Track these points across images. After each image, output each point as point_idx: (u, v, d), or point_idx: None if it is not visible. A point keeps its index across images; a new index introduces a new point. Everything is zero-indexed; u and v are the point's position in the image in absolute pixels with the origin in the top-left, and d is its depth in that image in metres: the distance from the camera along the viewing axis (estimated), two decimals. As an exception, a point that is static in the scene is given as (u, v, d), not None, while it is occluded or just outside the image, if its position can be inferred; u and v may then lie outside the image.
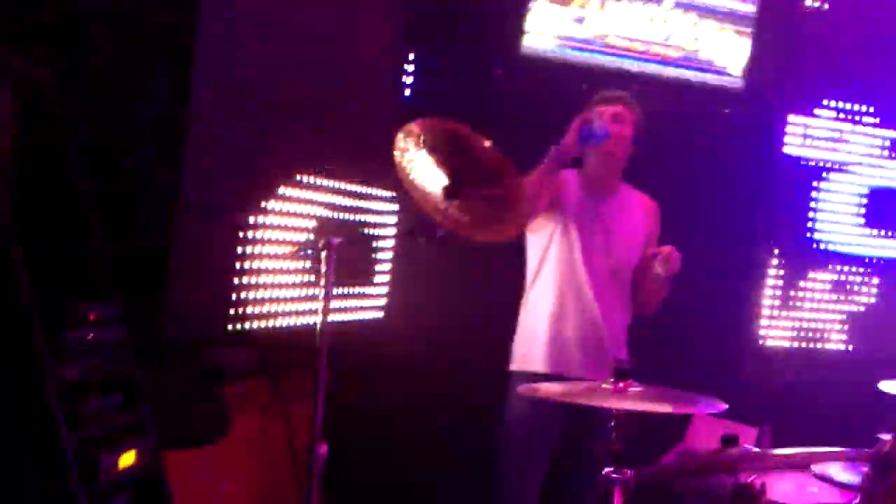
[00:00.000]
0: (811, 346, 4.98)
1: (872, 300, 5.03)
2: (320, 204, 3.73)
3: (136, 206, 2.87)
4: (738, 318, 4.90)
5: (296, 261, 3.50)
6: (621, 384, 2.88)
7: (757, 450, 2.91)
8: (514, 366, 3.85)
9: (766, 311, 4.92)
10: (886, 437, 2.93)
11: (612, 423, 2.87)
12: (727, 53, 4.70)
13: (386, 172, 3.80)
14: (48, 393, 2.21)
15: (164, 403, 2.87)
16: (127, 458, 2.48)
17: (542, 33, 4.52)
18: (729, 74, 4.73)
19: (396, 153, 3.20)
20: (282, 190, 3.48)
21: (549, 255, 3.82)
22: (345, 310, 4.01)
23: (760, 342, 4.88)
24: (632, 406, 2.83)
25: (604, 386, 2.94)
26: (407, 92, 4.37)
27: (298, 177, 3.58)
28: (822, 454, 3.06)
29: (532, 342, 3.82)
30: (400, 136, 3.14)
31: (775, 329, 4.95)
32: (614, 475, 2.77)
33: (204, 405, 3.27)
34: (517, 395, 3.74)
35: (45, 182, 2.51)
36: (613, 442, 2.84)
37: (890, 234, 5.05)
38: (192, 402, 3.21)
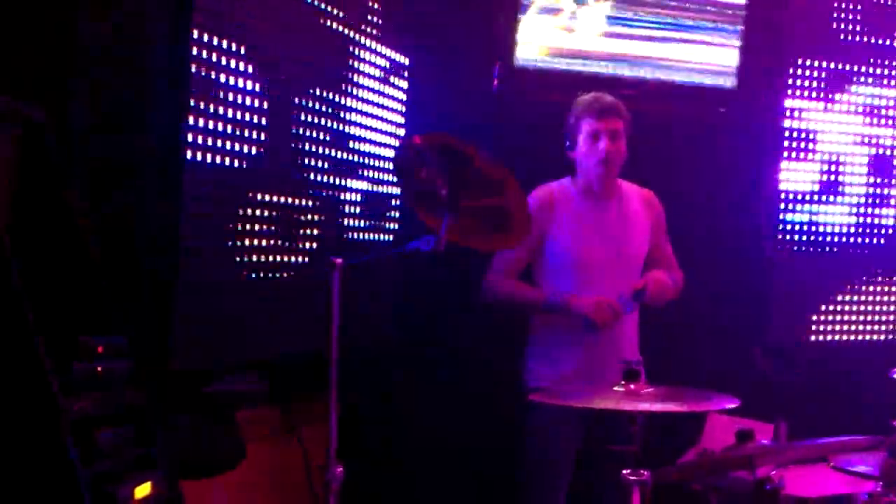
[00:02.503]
0: (822, 337, 4.95)
1: (877, 288, 5.01)
2: (324, 223, 3.74)
3: (138, 238, 2.88)
4: (747, 314, 4.88)
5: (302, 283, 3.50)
6: (633, 386, 2.89)
7: (773, 444, 2.90)
8: (528, 380, 3.85)
9: (774, 306, 4.89)
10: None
11: (627, 425, 2.88)
12: (719, 53, 4.71)
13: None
14: (60, 427, 2.22)
15: (177, 433, 2.88)
16: (143, 490, 2.48)
17: (533, 44, 4.54)
18: (722, 74, 4.73)
19: (396, 168, 3.21)
20: (285, 211, 3.49)
21: (552, 265, 3.82)
22: (356, 329, 4.01)
23: (772, 337, 4.86)
24: (645, 407, 2.83)
25: (616, 388, 2.95)
26: (403, 108, 4.37)
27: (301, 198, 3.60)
28: (839, 445, 3.06)
29: (543, 355, 3.82)
30: (400, 150, 3.16)
31: (786, 323, 4.93)
32: (632, 477, 2.77)
33: (218, 433, 3.27)
34: (532, 408, 3.73)
35: (45, 218, 2.53)
36: (629, 443, 2.84)
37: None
38: (206, 430, 3.21)
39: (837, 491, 3.07)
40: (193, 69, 2.97)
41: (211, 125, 3.06)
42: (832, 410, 4.31)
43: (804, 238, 4.89)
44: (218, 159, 3.11)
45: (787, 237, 4.86)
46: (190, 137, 2.97)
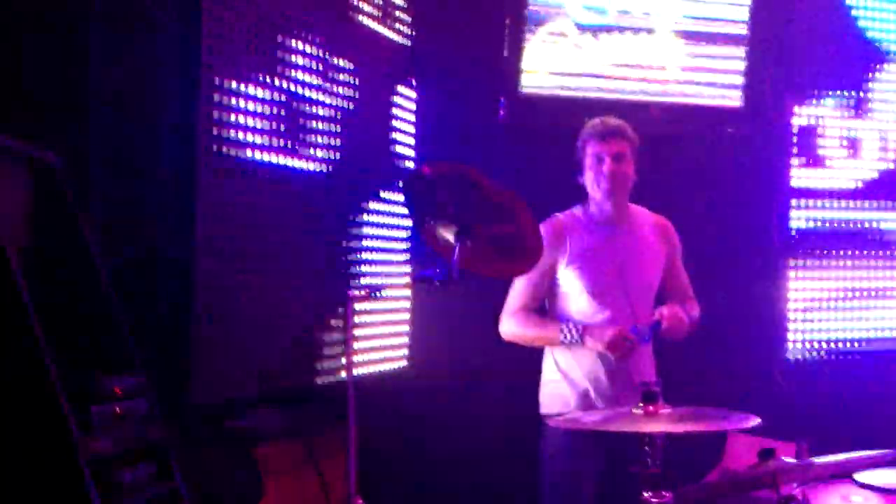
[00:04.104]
0: (839, 354, 4.93)
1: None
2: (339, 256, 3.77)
3: (153, 275, 2.90)
4: (763, 332, 4.87)
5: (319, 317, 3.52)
6: (651, 407, 2.87)
7: (796, 461, 2.88)
8: (544, 408, 3.84)
9: (790, 322, 4.87)
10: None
11: (647, 447, 2.86)
12: (723, 73, 4.73)
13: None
14: (79, 467, 2.22)
15: (197, 470, 2.88)
16: (164, 529, 2.49)
17: (539, 71, 4.57)
18: (727, 93, 4.75)
19: (405, 198, 3.23)
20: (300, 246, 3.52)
21: (564, 294, 3.81)
22: (370, 362, 4.02)
23: (788, 353, 4.84)
24: (664, 428, 2.82)
25: (634, 411, 2.94)
26: (412, 141, 4.40)
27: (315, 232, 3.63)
28: (863, 460, 3.03)
29: (558, 382, 3.81)
30: (408, 180, 3.18)
31: (802, 339, 4.91)
32: (654, 499, 2.75)
33: (237, 470, 3.27)
34: (550, 433, 3.72)
35: (61, 259, 2.55)
36: (650, 465, 2.83)
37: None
38: (224, 467, 3.21)
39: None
40: (204, 110, 3.01)
41: (224, 165, 3.10)
42: (854, 426, 4.27)
43: (818, 251, 4.87)
44: (232, 198, 3.14)
45: (801, 251, 4.84)
46: (203, 177, 3.00)
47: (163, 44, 2.99)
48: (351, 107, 3.87)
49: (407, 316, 4.36)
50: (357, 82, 3.91)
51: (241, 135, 3.19)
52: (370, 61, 4.01)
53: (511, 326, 3.82)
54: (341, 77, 3.80)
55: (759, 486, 2.94)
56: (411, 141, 4.38)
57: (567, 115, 4.46)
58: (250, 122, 3.25)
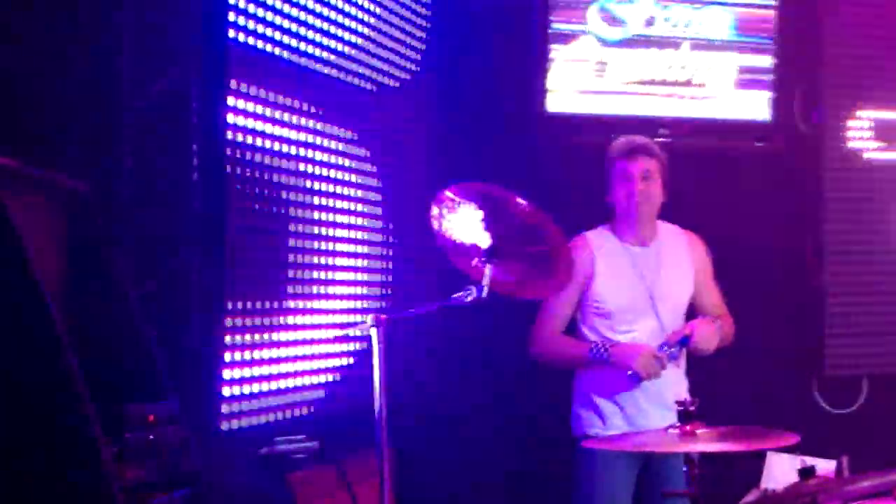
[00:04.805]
0: (880, 367, 4.84)
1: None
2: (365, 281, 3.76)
3: (184, 302, 2.91)
4: (801, 347, 4.81)
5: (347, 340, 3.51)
6: (688, 427, 2.84)
7: (837, 479, 2.83)
8: (577, 429, 3.81)
9: (828, 338, 4.79)
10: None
11: (685, 467, 2.83)
12: (751, 87, 4.70)
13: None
14: (114, 497, 2.22)
15: (231, 498, 2.87)
16: (199, 557, 2.48)
17: (564, 91, 4.56)
18: (755, 108, 4.72)
19: (434, 221, 3.22)
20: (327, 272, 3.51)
21: (592, 313, 3.79)
22: (403, 383, 4.00)
23: (828, 369, 4.77)
24: (701, 448, 2.78)
25: (671, 431, 2.90)
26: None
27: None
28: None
29: (590, 402, 3.78)
30: (435, 203, 3.17)
31: (841, 354, 4.82)
32: (693, 520, 2.72)
33: (270, 496, 3.26)
34: (584, 454, 3.69)
35: (92, 290, 2.56)
36: (687, 486, 2.79)
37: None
38: (258, 494, 3.20)
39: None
40: (230, 137, 3.03)
41: (251, 191, 3.11)
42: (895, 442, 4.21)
43: (855, 266, 4.80)
44: (259, 225, 3.15)
45: (838, 267, 4.77)
46: (232, 206, 3.02)
47: (189, 71, 3.01)
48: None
49: (437, 338, 4.34)
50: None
51: (266, 164, 3.21)
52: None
53: (541, 347, 3.80)
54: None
55: (799, 505, 2.89)
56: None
57: (594, 134, 4.45)
58: (278, 145, 3.27)
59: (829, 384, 4.81)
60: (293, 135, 3.36)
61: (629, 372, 3.62)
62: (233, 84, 3.04)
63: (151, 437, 2.46)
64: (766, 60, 4.68)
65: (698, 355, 3.71)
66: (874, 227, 4.83)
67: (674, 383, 3.72)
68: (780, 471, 3.62)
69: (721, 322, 3.79)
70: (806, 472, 2.82)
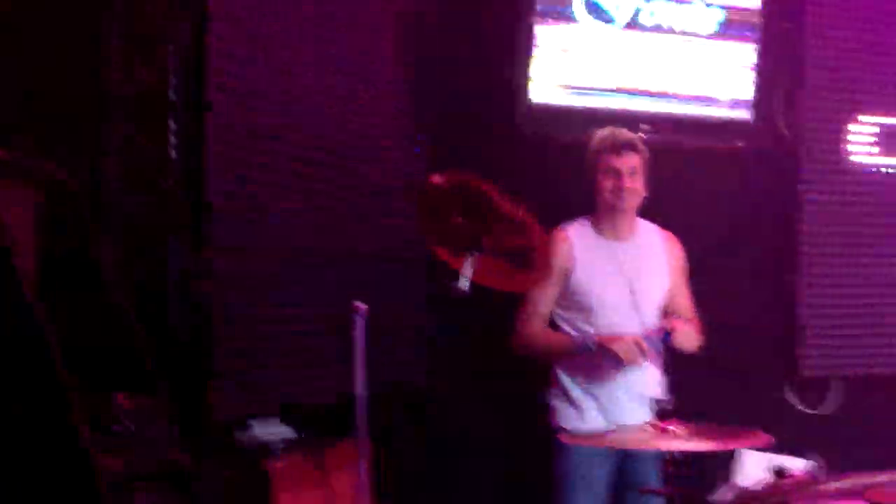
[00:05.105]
0: (854, 369, 4.88)
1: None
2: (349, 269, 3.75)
3: (170, 293, 2.90)
4: (776, 348, 4.85)
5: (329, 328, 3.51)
6: (664, 424, 2.87)
7: (808, 480, 2.88)
8: (555, 423, 3.83)
9: (804, 338, 4.83)
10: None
11: (659, 464, 2.86)
12: (734, 86, 4.71)
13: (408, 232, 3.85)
14: (96, 487, 2.21)
15: (207, 484, 2.87)
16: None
17: (548, 82, 4.55)
18: (737, 107, 4.73)
19: (419, 210, 3.23)
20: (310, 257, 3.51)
21: (571, 305, 3.81)
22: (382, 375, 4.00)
23: (802, 370, 4.82)
24: (677, 445, 2.82)
25: (647, 428, 2.93)
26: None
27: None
28: (876, 479, 3.02)
29: (567, 397, 3.81)
30: (420, 193, 3.18)
31: (815, 355, 4.86)
32: (667, 518, 2.75)
33: (248, 484, 3.27)
34: (561, 449, 3.72)
35: (75, 278, 2.54)
36: (663, 483, 2.83)
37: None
38: (235, 481, 3.20)
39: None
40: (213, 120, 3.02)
41: (236, 178, 3.10)
42: (868, 444, 4.26)
43: (831, 268, 4.83)
44: (244, 213, 3.14)
45: (814, 269, 4.81)
46: (216, 192, 3.01)
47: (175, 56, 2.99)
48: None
49: (418, 329, 4.35)
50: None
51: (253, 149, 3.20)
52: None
53: (525, 339, 3.81)
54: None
55: (772, 505, 2.94)
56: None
57: (577, 126, 4.45)
58: (261, 132, 3.25)
59: (803, 385, 4.86)
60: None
61: (608, 366, 3.65)
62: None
63: (134, 427, 2.46)
64: (750, 59, 4.68)
65: (678, 352, 3.74)
66: (851, 229, 4.86)
67: (651, 380, 3.75)
68: (752, 468, 3.67)
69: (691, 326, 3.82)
70: (779, 472, 2.86)
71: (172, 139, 2.99)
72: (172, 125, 2.98)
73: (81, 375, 2.27)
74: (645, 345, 3.64)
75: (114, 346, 2.51)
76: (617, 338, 3.67)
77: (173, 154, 2.99)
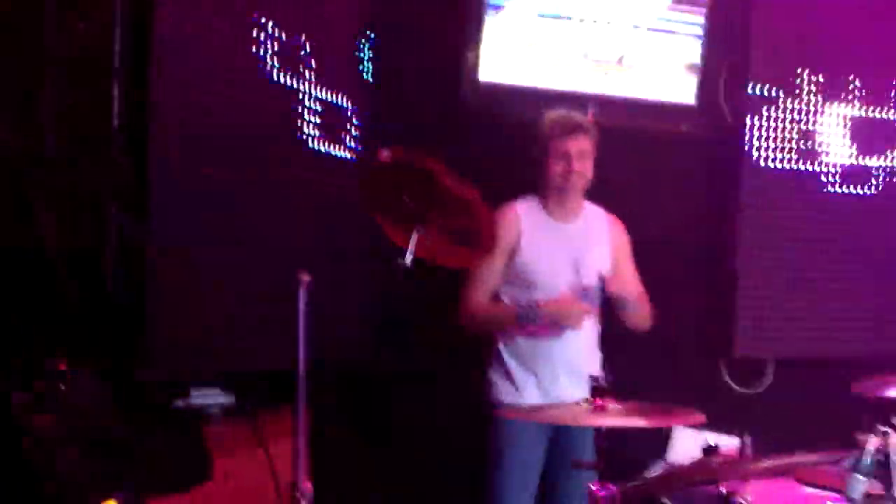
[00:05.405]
0: (788, 351, 4.98)
1: (842, 303, 5.05)
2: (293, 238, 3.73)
3: (105, 254, 2.86)
4: (712, 328, 4.94)
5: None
6: (599, 401, 2.90)
7: (739, 458, 2.92)
8: (492, 397, 3.86)
9: (739, 320, 4.91)
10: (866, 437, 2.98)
11: (594, 440, 2.89)
12: (679, 70, 4.76)
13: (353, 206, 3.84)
14: (22, 445, 2.20)
15: (144, 450, 2.85)
16: (109, 509, 2.46)
17: (497, 61, 4.56)
18: (682, 91, 4.78)
19: (364, 185, 3.22)
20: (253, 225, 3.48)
21: (516, 283, 3.83)
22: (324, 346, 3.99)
23: (734, 349, 4.91)
24: (611, 422, 2.85)
25: (582, 404, 2.96)
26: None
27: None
28: (804, 459, 3.09)
29: (505, 372, 3.83)
30: (366, 168, 3.17)
31: (750, 337, 4.94)
32: (599, 491, 2.78)
33: (184, 449, 3.25)
34: (499, 424, 3.75)
35: (12, 238, 2.50)
36: (596, 458, 2.86)
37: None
38: (172, 447, 3.18)
39: (803, 504, 3.11)
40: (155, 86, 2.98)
41: (179, 145, 3.06)
42: (798, 424, 4.35)
43: (768, 253, 4.92)
44: (186, 179, 3.11)
45: (751, 253, 4.88)
46: (157, 155, 2.96)
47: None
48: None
49: (361, 302, 4.34)
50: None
51: (197, 112, 3.16)
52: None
53: (470, 312, 3.83)
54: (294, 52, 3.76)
55: (702, 483, 2.99)
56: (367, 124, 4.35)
57: (525, 105, 4.47)
58: (206, 99, 3.22)
59: (738, 366, 4.95)
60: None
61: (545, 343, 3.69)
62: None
63: (63, 387, 2.43)
64: (696, 44, 4.73)
65: (621, 313, 3.76)
66: (790, 214, 4.95)
67: (588, 357, 3.80)
68: (685, 446, 3.74)
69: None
70: (709, 451, 2.91)
71: (115, 103, 2.94)
72: (115, 88, 2.93)
73: (12, 334, 2.24)
74: (585, 305, 3.67)
75: (47, 309, 2.48)
76: (559, 301, 3.70)
77: (116, 118, 2.94)
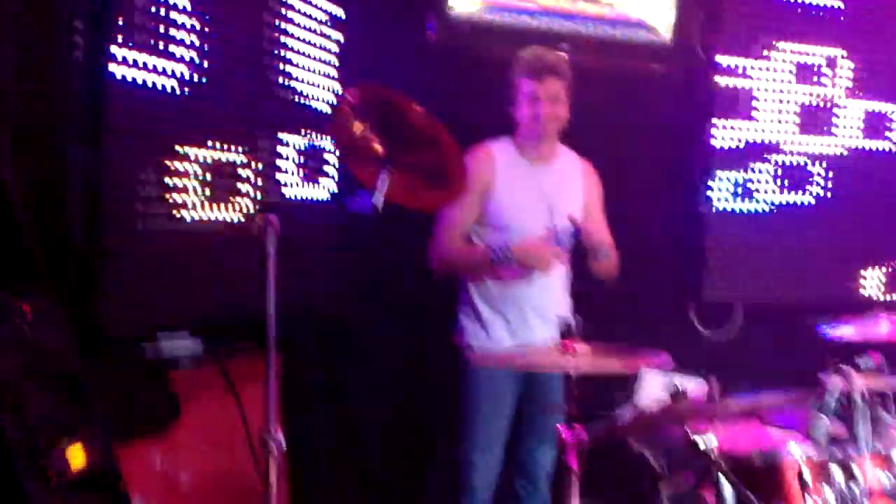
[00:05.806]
0: (753, 294, 5.02)
1: (804, 244, 5.08)
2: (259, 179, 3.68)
3: (65, 199, 2.80)
4: (681, 271, 4.95)
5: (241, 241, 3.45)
6: (567, 344, 2.91)
7: (705, 401, 2.95)
8: (462, 338, 3.86)
9: (706, 263, 4.93)
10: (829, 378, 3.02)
11: (563, 382, 2.91)
12: (655, 10, 4.71)
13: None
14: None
15: (109, 394, 2.83)
16: (76, 454, 2.44)
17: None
18: (657, 31, 4.73)
19: (332, 125, 3.17)
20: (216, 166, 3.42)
21: (488, 224, 3.81)
22: (293, 290, 3.97)
23: (703, 293, 4.93)
24: (578, 364, 2.86)
25: (551, 346, 2.97)
26: (337, 61, 4.28)
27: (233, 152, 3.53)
28: (769, 400, 3.13)
29: (476, 313, 3.83)
30: (334, 107, 3.11)
31: (719, 280, 4.97)
32: (568, 433, 2.80)
33: (149, 392, 3.23)
34: (469, 365, 3.76)
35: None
36: (565, 401, 2.87)
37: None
38: (137, 389, 3.17)
39: (768, 445, 3.15)
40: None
41: (137, 75, 2.98)
42: (763, 366, 4.40)
43: (736, 196, 4.92)
44: (144, 110, 3.03)
45: (720, 195, 4.89)
46: (113, 87, 2.88)
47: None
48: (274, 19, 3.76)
49: (330, 246, 4.30)
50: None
51: (155, 41, 3.07)
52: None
53: (441, 254, 3.81)
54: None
55: (669, 424, 3.03)
56: (335, 60, 4.26)
57: (497, 41, 4.41)
58: (168, 29, 3.13)
59: (706, 309, 4.98)
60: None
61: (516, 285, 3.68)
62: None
63: (27, 328, 2.40)
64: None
65: (591, 262, 3.75)
66: (758, 157, 4.96)
67: (558, 300, 3.81)
68: (653, 388, 3.76)
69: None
70: (676, 395, 2.93)
71: (76, 37, 2.85)
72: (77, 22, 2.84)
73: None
74: (556, 249, 3.66)
75: (7, 249, 2.44)
76: (530, 244, 3.69)
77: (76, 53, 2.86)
